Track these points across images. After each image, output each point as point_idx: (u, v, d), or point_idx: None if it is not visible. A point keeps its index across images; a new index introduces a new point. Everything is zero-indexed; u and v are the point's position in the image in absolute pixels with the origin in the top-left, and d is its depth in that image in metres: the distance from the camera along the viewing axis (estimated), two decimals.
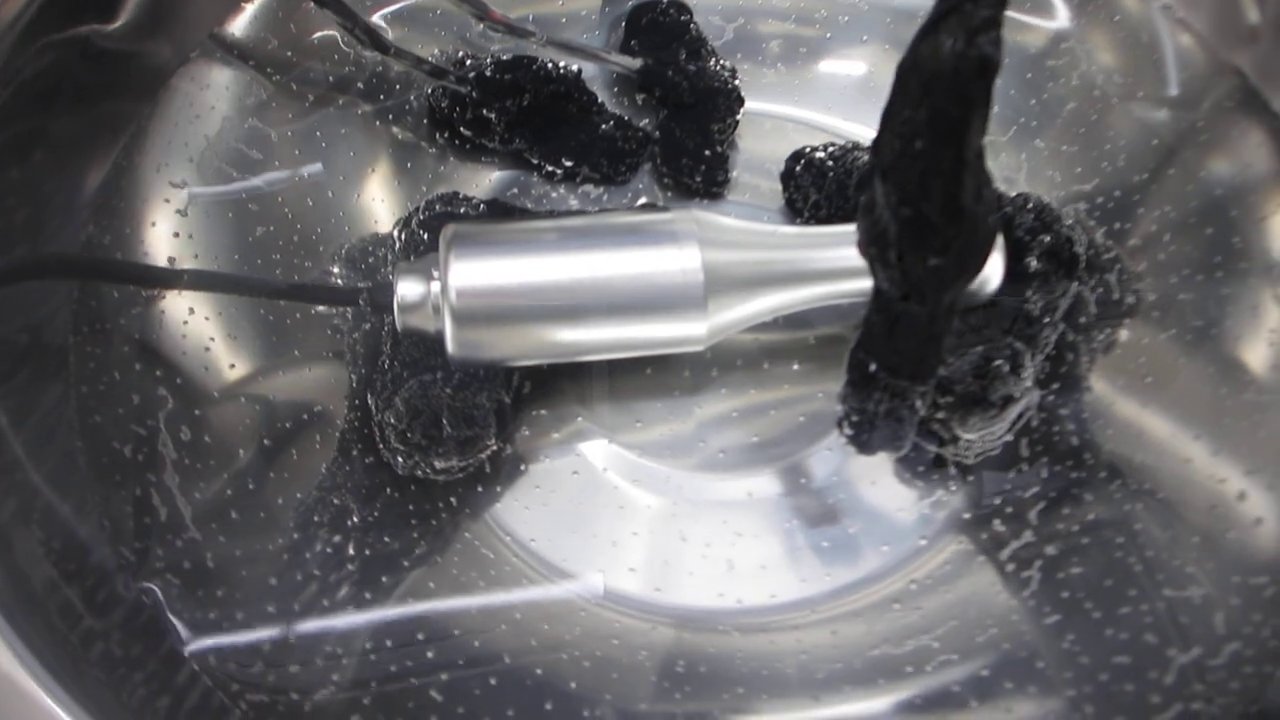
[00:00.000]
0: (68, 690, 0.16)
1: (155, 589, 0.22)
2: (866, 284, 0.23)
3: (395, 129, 0.32)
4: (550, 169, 0.32)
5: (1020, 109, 0.32)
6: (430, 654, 0.24)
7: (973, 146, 0.21)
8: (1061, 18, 0.31)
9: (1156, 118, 0.30)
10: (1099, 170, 0.31)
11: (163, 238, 0.27)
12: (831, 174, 0.31)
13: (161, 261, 0.27)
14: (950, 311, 0.23)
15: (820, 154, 0.32)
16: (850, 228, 0.27)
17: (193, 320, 0.27)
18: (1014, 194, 0.30)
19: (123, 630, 0.21)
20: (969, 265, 0.22)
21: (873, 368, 0.25)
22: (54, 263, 0.24)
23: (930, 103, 0.20)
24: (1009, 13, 0.33)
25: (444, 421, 0.26)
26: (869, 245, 0.23)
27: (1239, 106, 0.28)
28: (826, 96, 0.33)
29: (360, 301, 0.28)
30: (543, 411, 0.29)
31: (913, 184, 0.21)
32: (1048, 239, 0.29)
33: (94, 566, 0.21)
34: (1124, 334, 0.29)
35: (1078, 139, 0.31)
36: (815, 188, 0.31)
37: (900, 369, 0.24)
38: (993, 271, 0.29)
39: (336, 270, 0.30)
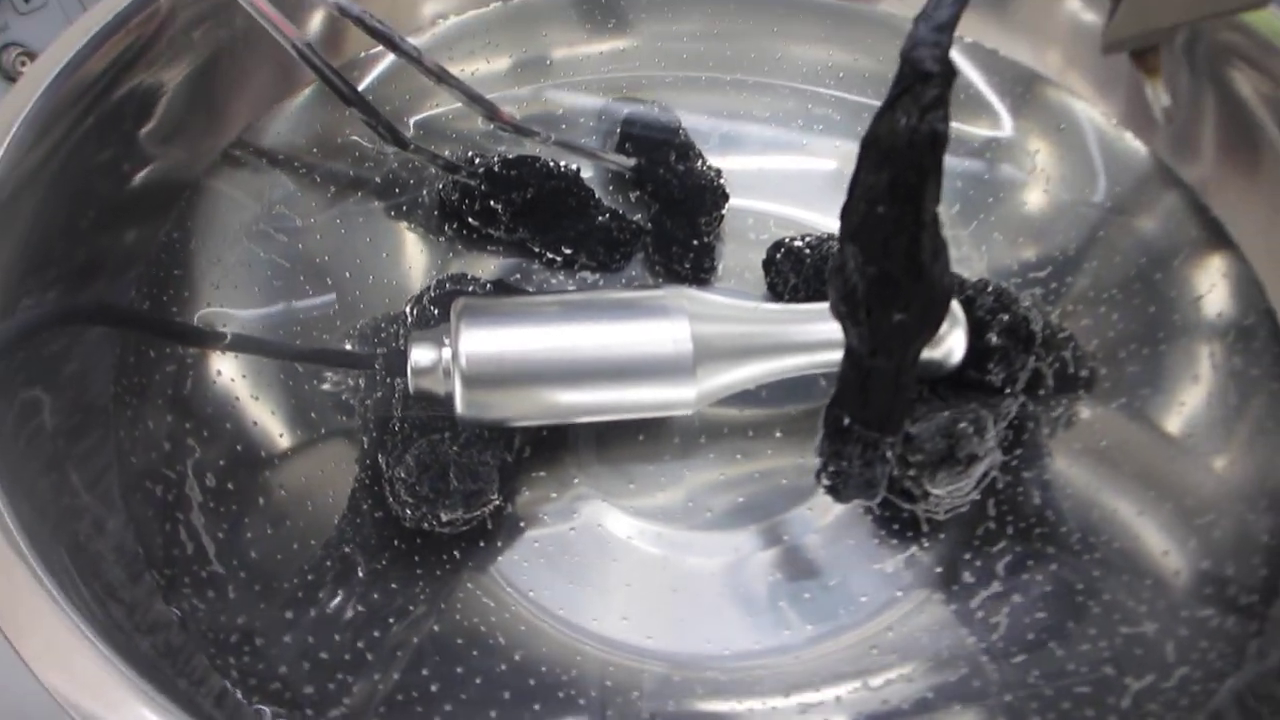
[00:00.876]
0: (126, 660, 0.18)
1: (179, 612, 0.23)
2: (839, 355, 0.26)
3: (409, 220, 0.35)
4: (551, 256, 0.35)
5: (979, 205, 0.35)
6: (434, 688, 0.25)
7: (929, 210, 0.24)
8: (1006, 126, 0.35)
9: (1094, 206, 0.33)
10: (1052, 259, 0.34)
11: (198, 304, 0.30)
12: (809, 260, 0.34)
13: (196, 324, 0.29)
14: (914, 365, 0.26)
15: (799, 243, 0.35)
16: (824, 305, 0.30)
17: (220, 380, 0.29)
18: (976, 279, 0.33)
19: (160, 638, 0.22)
20: (930, 319, 0.25)
21: (846, 421, 0.27)
22: (102, 311, 0.27)
23: (890, 172, 0.23)
24: (963, 124, 0.37)
25: (451, 475, 0.28)
26: (840, 303, 0.25)
27: (1160, 187, 0.31)
28: (803, 193, 0.36)
29: (375, 366, 0.30)
30: (542, 474, 0.31)
31: (877, 245, 0.24)
32: (1006, 318, 0.31)
33: (138, 586, 0.23)
34: (1081, 405, 0.31)
35: (1031, 231, 0.34)
36: (794, 273, 0.34)
37: (871, 421, 0.27)
38: (956, 346, 0.31)
39: (350, 344, 0.32)
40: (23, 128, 0.26)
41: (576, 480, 0.31)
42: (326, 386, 0.31)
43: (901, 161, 0.23)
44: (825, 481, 0.27)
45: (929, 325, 0.25)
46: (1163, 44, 0.25)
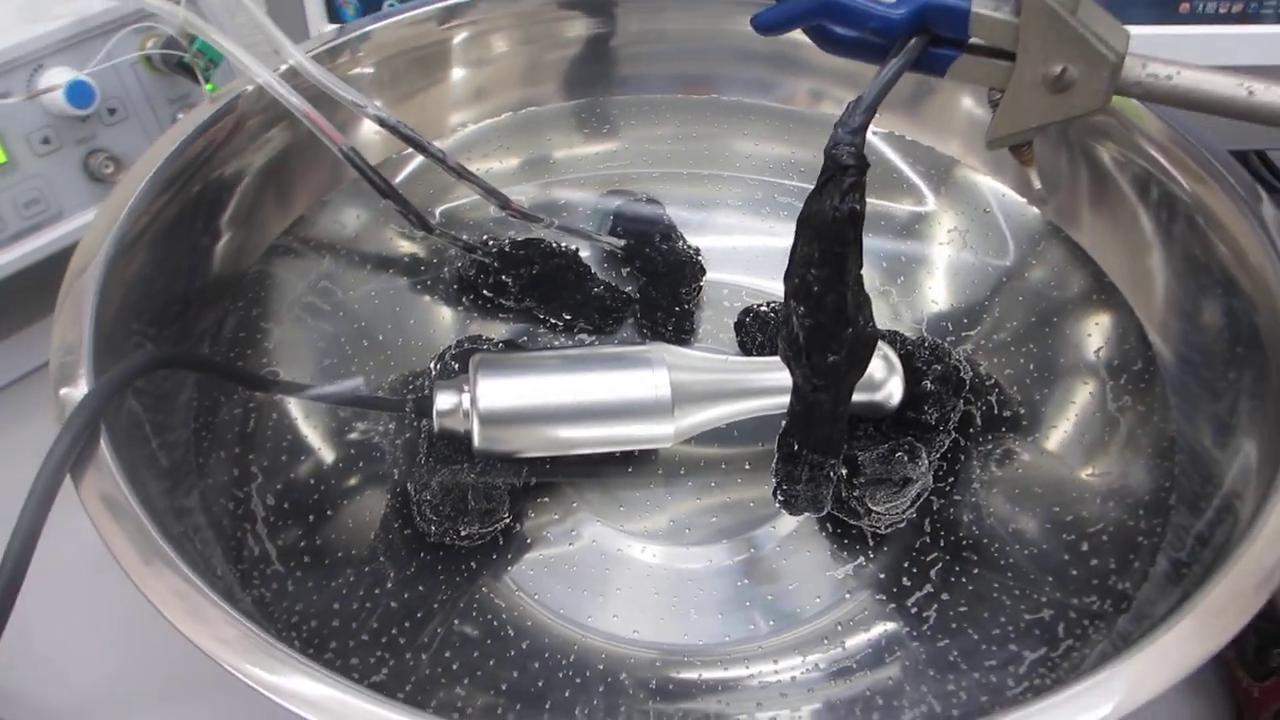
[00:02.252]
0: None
1: (250, 597, 0.29)
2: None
3: (433, 292, 0.41)
4: (554, 322, 0.41)
5: (907, 268, 0.42)
6: (455, 667, 0.30)
7: (852, 272, 0.30)
8: (928, 201, 0.41)
9: (1003, 267, 0.39)
10: (974, 314, 0.40)
11: (258, 359, 0.36)
12: (773, 323, 0.40)
13: (259, 373, 0.36)
14: (848, 398, 0.31)
15: (765, 309, 0.41)
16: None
17: (277, 417, 0.35)
18: (915, 336, 0.39)
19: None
20: (857, 359, 0.31)
21: (796, 446, 0.32)
22: (191, 359, 0.33)
23: (820, 244, 0.29)
24: (890, 201, 0.43)
25: (469, 498, 0.34)
26: (786, 350, 0.31)
27: (1053, 246, 0.38)
28: (769, 267, 0.42)
29: (406, 410, 0.36)
30: (546, 498, 0.36)
31: (813, 302, 0.30)
32: (939, 368, 0.37)
33: (223, 577, 0.28)
34: (1004, 439, 0.37)
35: (962, 295, 0.40)
36: (761, 332, 0.40)
37: (816, 445, 0.32)
38: (894, 390, 0.37)
39: (384, 393, 0.38)
40: (127, 214, 0.33)
41: (575, 504, 0.36)
42: (354, 435, 0.37)
43: (828, 236, 0.29)
44: (780, 497, 0.33)
45: (857, 364, 0.31)
46: (1032, 140, 0.31)
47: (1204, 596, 0.23)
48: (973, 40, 0.29)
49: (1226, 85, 0.28)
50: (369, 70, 0.40)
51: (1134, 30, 0.49)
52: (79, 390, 0.27)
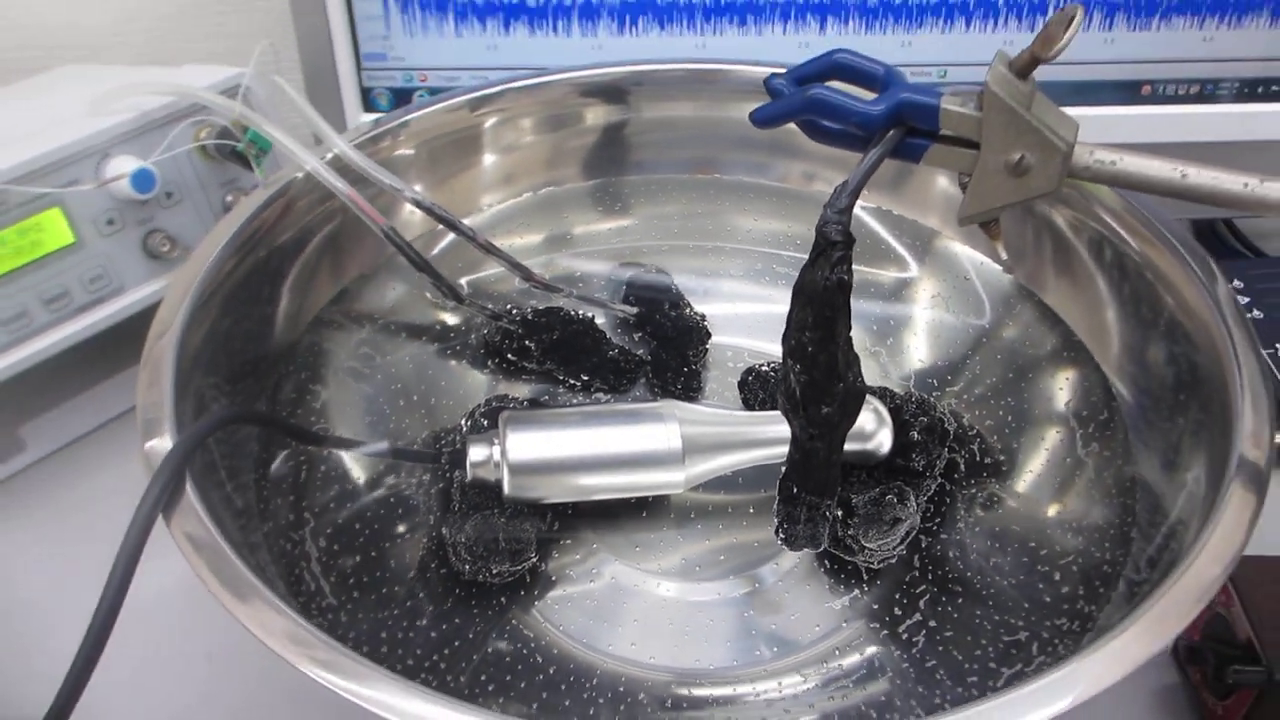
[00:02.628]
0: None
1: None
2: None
3: (463, 356, 0.45)
4: (572, 382, 0.45)
5: (895, 330, 0.46)
6: (490, 688, 0.34)
7: (841, 334, 0.33)
8: (911, 269, 0.46)
9: (980, 327, 0.43)
10: (962, 376, 0.44)
11: (308, 417, 0.40)
12: (772, 381, 0.44)
13: (311, 429, 0.39)
14: (841, 445, 0.35)
15: (765, 368, 0.45)
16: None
17: (326, 468, 0.39)
18: (904, 391, 0.43)
19: None
20: (848, 411, 0.34)
21: (795, 489, 0.36)
22: (256, 416, 0.36)
23: (812, 310, 0.33)
24: (878, 269, 0.47)
25: (500, 538, 0.37)
26: (785, 404, 0.35)
27: (1025, 306, 0.42)
28: (769, 331, 0.46)
29: (441, 460, 0.40)
30: (568, 540, 0.40)
31: (807, 360, 0.34)
32: (925, 420, 0.41)
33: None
34: (988, 485, 0.41)
35: (945, 353, 0.44)
36: (762, 390, 0.44)
37: (812, 488, 0.36)
38: (884, 440, 0.41)
39: (419, 447, 0.42)
40: (197, 287, 0.37)
41: (595, 545, 0.40)
42: (393, 484, 0.41)
43: (820, 303, 0.33)
44: (781, 535, 0.36)
45: (848, 416, 0.35)
46: (999, 217, 0.35)
47: (1150, 607, 0.26)
48: (943, 132, 0.33)
49: (1163, 169, 0.32)
50: (409, 153, 0.45)
51: (1102, 111, 0.55)
52: (164, 443, 0.31)
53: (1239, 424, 0.31)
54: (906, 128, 0.34)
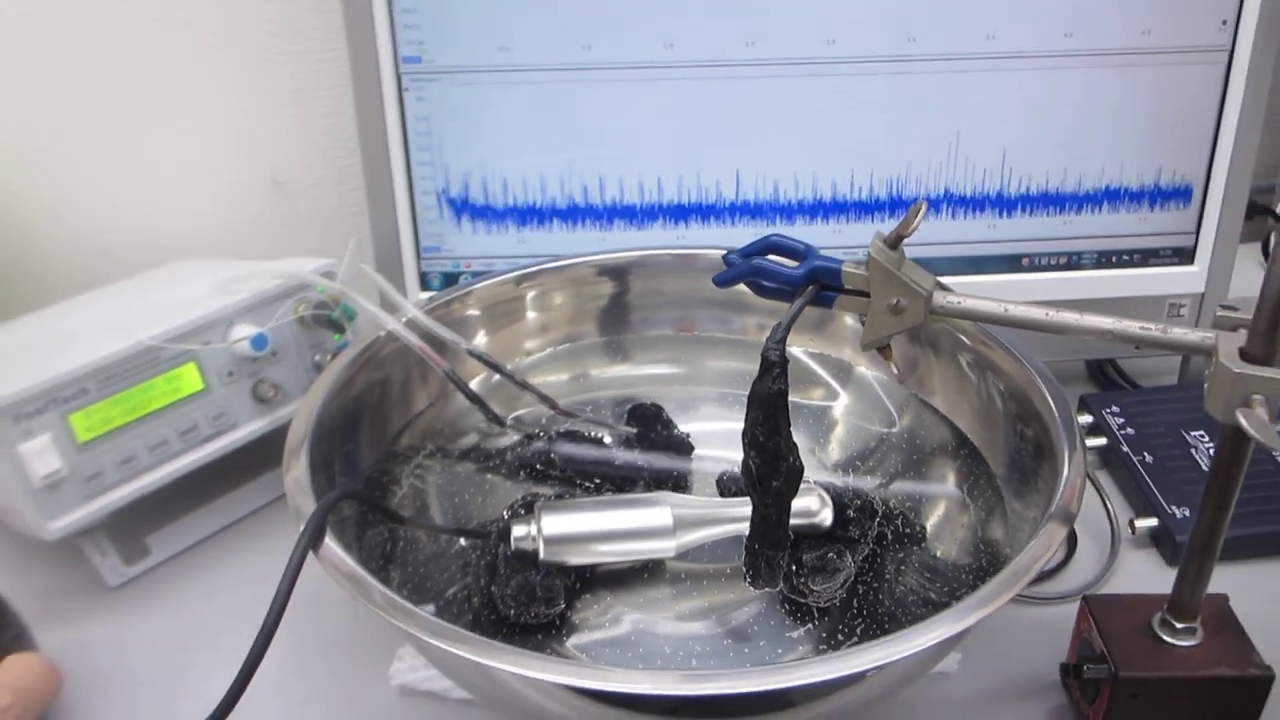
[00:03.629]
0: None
1: None
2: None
3: (504, 468, 0.59)
4: (587, 485, 0.59)
5: (830, 437, 0.60)
6: None
7: (783, 428, 0.46)
8: (836, 390, 0.60)
9: (890, 430, 0.58)
10: (880, 464, 0.57)
11: (392, 499, 0.53)
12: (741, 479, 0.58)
13: (395, 499, 0.53)
14: (788, 510, 0.48)
15: (735, 470, 0.58)
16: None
17: (405, 541, 0.52)
18: (840, 484, 0.56)
19: None
20: (792, 484, 0.47)
21: (756, 545, 0.49)
22: (360, 496, 0.50)
23: (762, 411, 0.46)
24: (809, 392, 0.62)
25: (537, 589, 0.50)
26: (746, 481, 0.48)
27: (920, 411, 0.57)
28: (737, 445, 0.56)
29: (490, 536, 0.53)
30: (589, 595, 0.53)
31: (760, 448, 0.47)
32: (859, 502, 0.54)
33: None
34: (909, 547, 0.54)
35: (864, 449, 0.59)
36: (734, 486, 0.58)
37: (769, 543, 0.49)
38: (827, 516, 0.54)
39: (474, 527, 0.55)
40: (318, 411, 0.51)
41: (609, 599, 0.53)
42: (445, 559, 0.54)
43: (766, 406, 0.46)
44: (748, 578, 0.49)
45: (792, 487, 0.48)
46: (889, 344, 0.49)
47: (988, 584, 0.40)
48: (845, 286, 0.48)
49: (993, 306, 0.47)
50: (474, 313, 0.60)
51: (990, 279, 0.70)
52: (308, 507, 0.44)
53: (1061, 484, 0.45)
54: (820, 285, 0.48)
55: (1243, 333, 0.42)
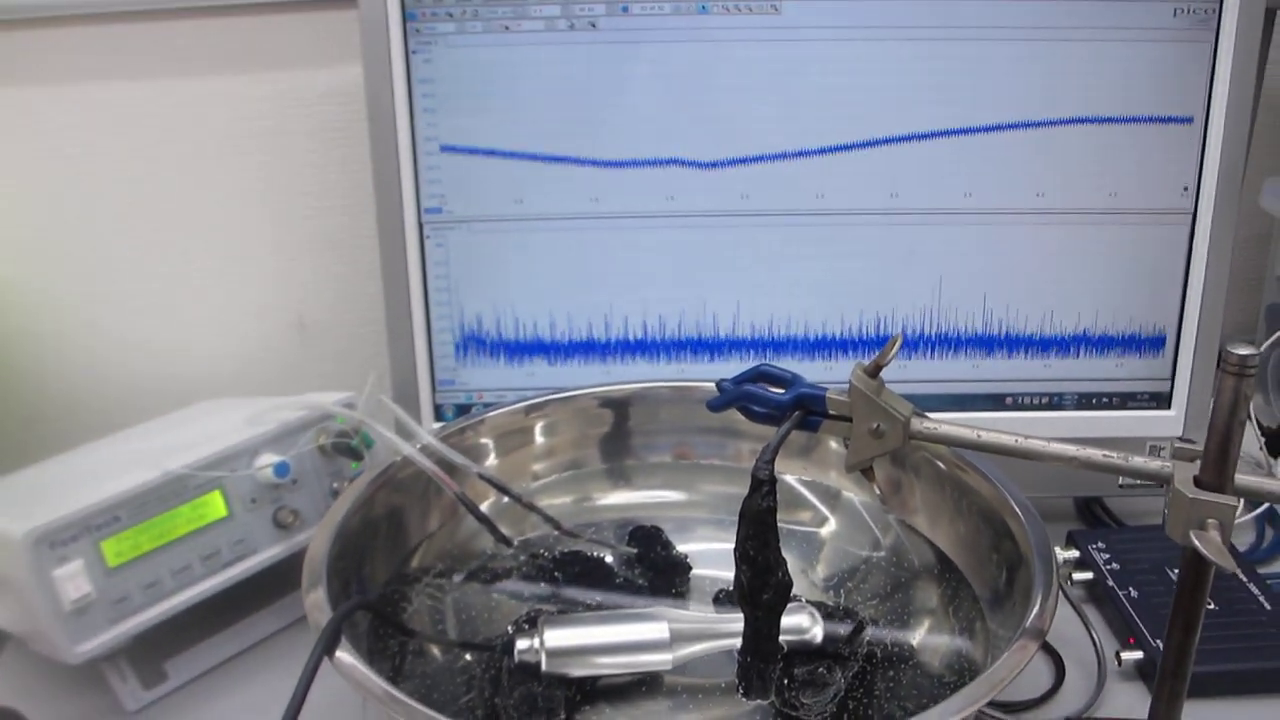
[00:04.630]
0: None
1: None
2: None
3: (505, 591, 0.62)
4: (588, 603, 0.61)
5: (819, 557, 0.62)
6: None
7: (772, 543, 0.50)
8: (824, 513, 0.64)
9: (875, 551, 0.61)
10: (864, 582, 0.60)
11: (403, 614, 0.56)
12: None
13: (406, 615, 0.55)
14: (778, 622, 0.50)
15: (729, 589, 0.61)
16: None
17: (413, 655, 0.54)
18: (832, 602, 0.59)
19: None
20: (781, 597, 0.50)
21: (748, 657, 0.51)
22: (371, 607, 0.52)
23: (752, 527, 0.50)
24: (798, 516, 0.65)
25: (539, 701, 0.52)
26: (738, 594, 0.51)
27: (902, 532, 0.59)
28: (731, 563, 0.62)
29: (497, 648, 0.55)
30: (589, 708, 0.55)
31: (749, 561, 0.50)
32: (849, 620, 0.57)
33: None
34: (901, 667, 0.56)
35: (851, 569, 0.61)
36: (729, 603, 0.60)
37: (760, 655, 0.51)
38: (818, 633, 0.56)
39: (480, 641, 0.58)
40: (335, 534, 0.54)
41: (608, 710, 0.54)
42: (452, 671, 0.56)
43: (756, 522, 0.49)
44: (740, 689, 0.51)
45: (781, 599, 0.50)
46: (872, 466, 0.53)
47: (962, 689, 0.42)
48: (830, 412, 0.52)
49: (965, 431, 0.50)
50: (486, 441, 0.64)
51: (975, 415, 0.74)
52: (324, 618, 0.47)
53: (1033, 606, 0.48)
54: (806, 410, 0.52)
55: (1199, 463, 0.45)
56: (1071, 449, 0.47)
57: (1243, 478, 0.44)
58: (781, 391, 0.53)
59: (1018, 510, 0.53)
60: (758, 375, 0.54)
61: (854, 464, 0.52)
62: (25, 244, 0.85)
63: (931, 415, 0.51)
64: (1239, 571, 0.69)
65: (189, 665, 0.65)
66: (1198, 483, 0.44)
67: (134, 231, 0.86)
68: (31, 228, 0.85)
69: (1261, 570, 0.70)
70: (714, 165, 0.70)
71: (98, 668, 0.61)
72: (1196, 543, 0.42)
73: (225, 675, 0.65)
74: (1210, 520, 0.43)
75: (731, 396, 0.53)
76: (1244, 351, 0.42)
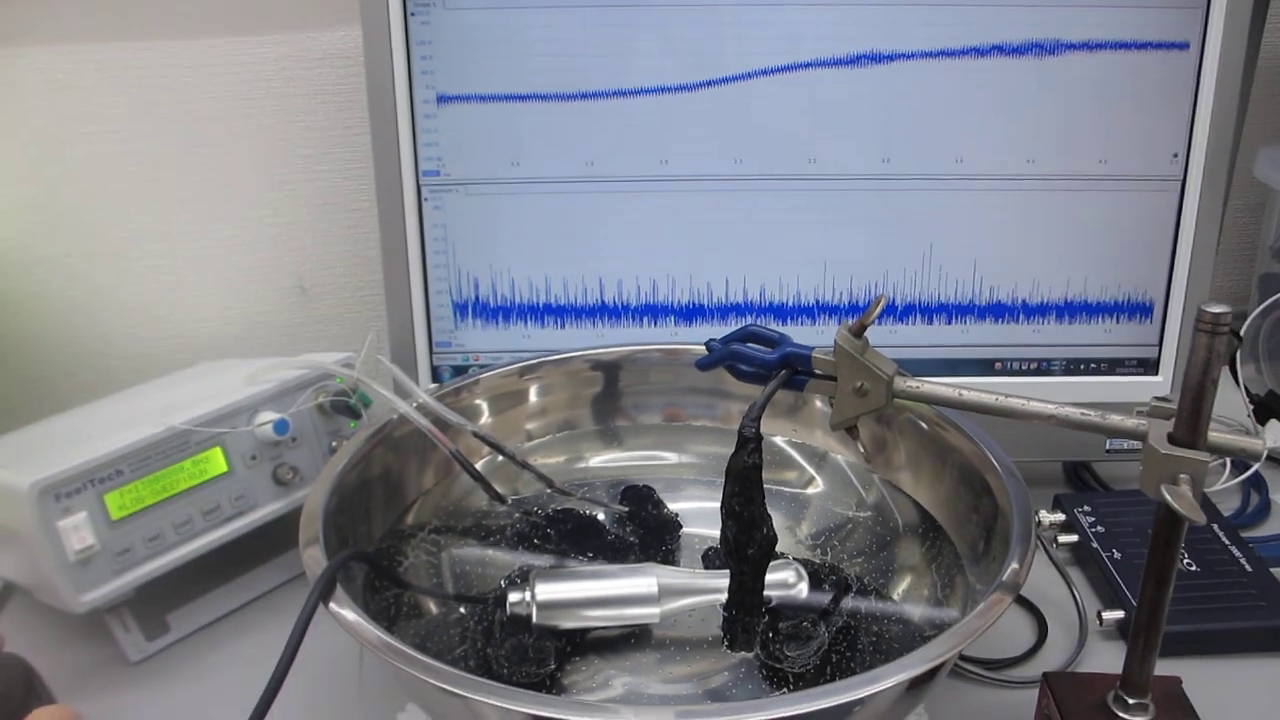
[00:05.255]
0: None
1: None
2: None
3: (503, 541, 0.63)
4: (581, 558, 0.63)
5: (804, 515, 0.64)
6: None
7: (758, 500, 0.51)
8: (810, 473, 0.65)
9: (859, 509, 0.62)
10: (864, 552, 0.61)
11: (399, 567, 0.57)
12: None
13: (401, 569, 0.57)
14: (762, 577, 0.52)
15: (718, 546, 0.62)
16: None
17: (409, 605, 0.55)
18: (819, 560, 0.60)
19: None
20: (765, 551, 0.51)
21: (734, 610, 0.53)
22: (367, 557, 0.54)
23: (738, 484, 0.51)
24: (786, 475, 0.67)
25: (529, 651, 0.54)
26: (723, 549, 0.52)
27: (885, 490, 0.61)
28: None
29: (490, 601, 0.57)
30: (579, 659, 0.56)
31: (735, 517, 0.51)
32: (834, 577, 0.58)
33: None
34: (884, 622, 0.57)
35: (835, 525, 0.63)
36: (717, 560, 0.62)
37: (744, 609, 0.52)
38: (803, 588, 0.57)
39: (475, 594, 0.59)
40: (331, 488, 0.55)
41: (598, 662, 0.56)
42: (446, 624, 0.57)
43: (742, 479, 0.50)
44: (726, 641, 0.53)
45: (766, 554, 0.52)
46: (856, 424, 0.54)
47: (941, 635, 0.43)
48: (815, 371, 0.53)
49: (947, 390, 0.51)
50: (480, 402, 0.65)
51: (967, 380, 0.75)
52: (319, 566, 0.49)
53: (1010, 561, 0.49)
54: (793, 369, 0.53)
55: (1173, 420, 0.46)
56: (1050, 407, 0.48)
57: (1215, 434, 0.45)
58: (769, 350, 0.54)
59: (998, 468, 0.54)
60: (746, 335, 0.55)
61: (839, 422, 0.53)
62: (26, 206, 0.86)
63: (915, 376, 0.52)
64: (1221, 533, 0.70)
65: (191, 617, 0.67)
66: (1171, 439, 0.45)
67: (135, 193, 0.87)
68: (32, 189, 0.86)
69: (1245, 534, 0.71)
70: (707, 128, 0.71)
71: (101, 619, 0.62)
72: (1168, 497, 0.43)
73: (226, 628, 0.67)
74: (1182, 475, 0.44)
75: (720, 355, 0.54)
76: (1217, 309, 0.43)
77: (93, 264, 0.89)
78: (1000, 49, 0.70)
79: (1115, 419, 0.48)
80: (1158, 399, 0.47)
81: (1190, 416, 0.45)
